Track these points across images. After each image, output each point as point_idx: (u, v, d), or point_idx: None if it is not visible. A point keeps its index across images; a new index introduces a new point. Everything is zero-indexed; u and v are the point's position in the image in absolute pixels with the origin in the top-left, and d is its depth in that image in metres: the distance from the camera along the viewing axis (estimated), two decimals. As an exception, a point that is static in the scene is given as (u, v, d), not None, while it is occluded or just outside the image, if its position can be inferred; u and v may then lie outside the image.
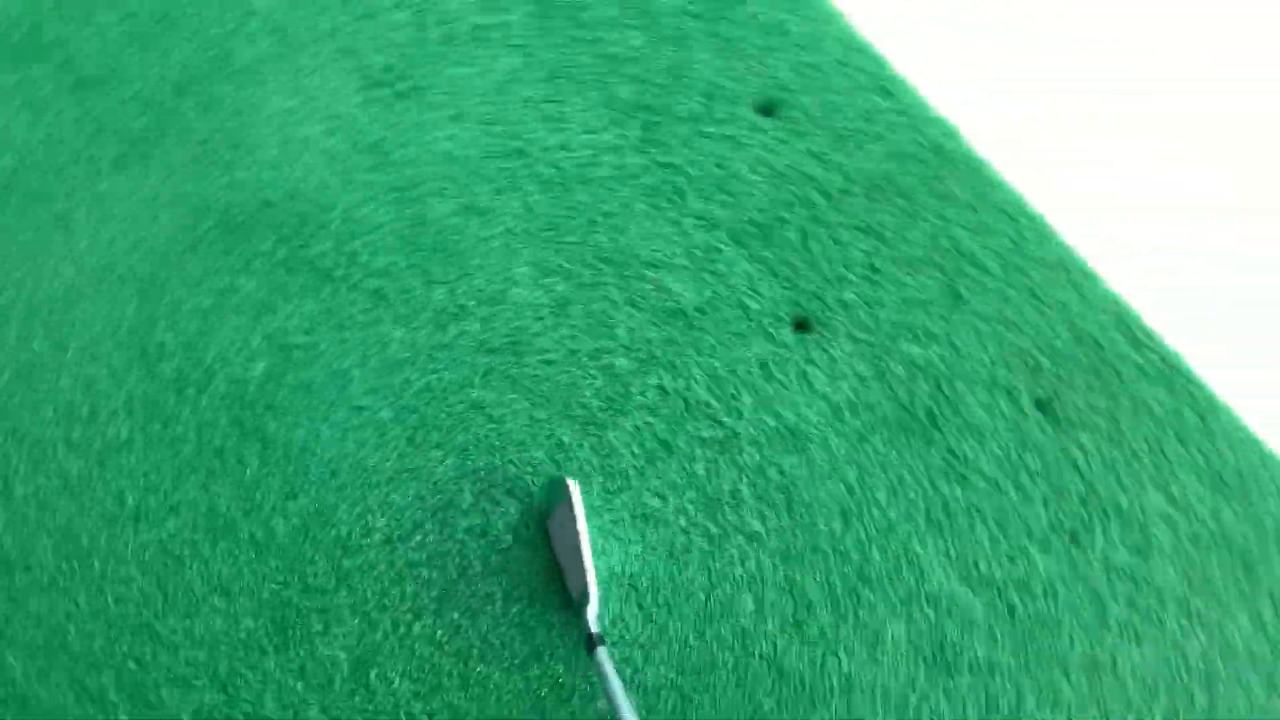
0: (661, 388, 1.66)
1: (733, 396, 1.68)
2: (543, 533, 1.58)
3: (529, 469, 1.61)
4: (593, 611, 1.43)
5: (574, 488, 1.50)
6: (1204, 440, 1.64)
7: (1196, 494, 1.60)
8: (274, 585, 1.46)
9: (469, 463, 1.62)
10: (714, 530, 1.59)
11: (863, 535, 1.57)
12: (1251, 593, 1.53)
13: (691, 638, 1.53)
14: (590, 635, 1.39)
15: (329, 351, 1.61)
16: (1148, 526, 1.57)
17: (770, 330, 1.72)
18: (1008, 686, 1.54)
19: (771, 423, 1.66)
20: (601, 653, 1.35)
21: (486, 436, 1.63)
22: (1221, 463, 1.62)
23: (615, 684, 1.29)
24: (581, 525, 1.47)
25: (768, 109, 1.87)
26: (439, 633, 1.48)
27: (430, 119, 1.80)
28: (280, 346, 1.61)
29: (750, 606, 1.57)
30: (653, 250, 1.72)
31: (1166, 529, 1.58)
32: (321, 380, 1.58)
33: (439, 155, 1.77)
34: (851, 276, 1.78)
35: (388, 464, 1.59)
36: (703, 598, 1.57)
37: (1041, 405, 1.71)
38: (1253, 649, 1.52)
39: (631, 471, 1.61)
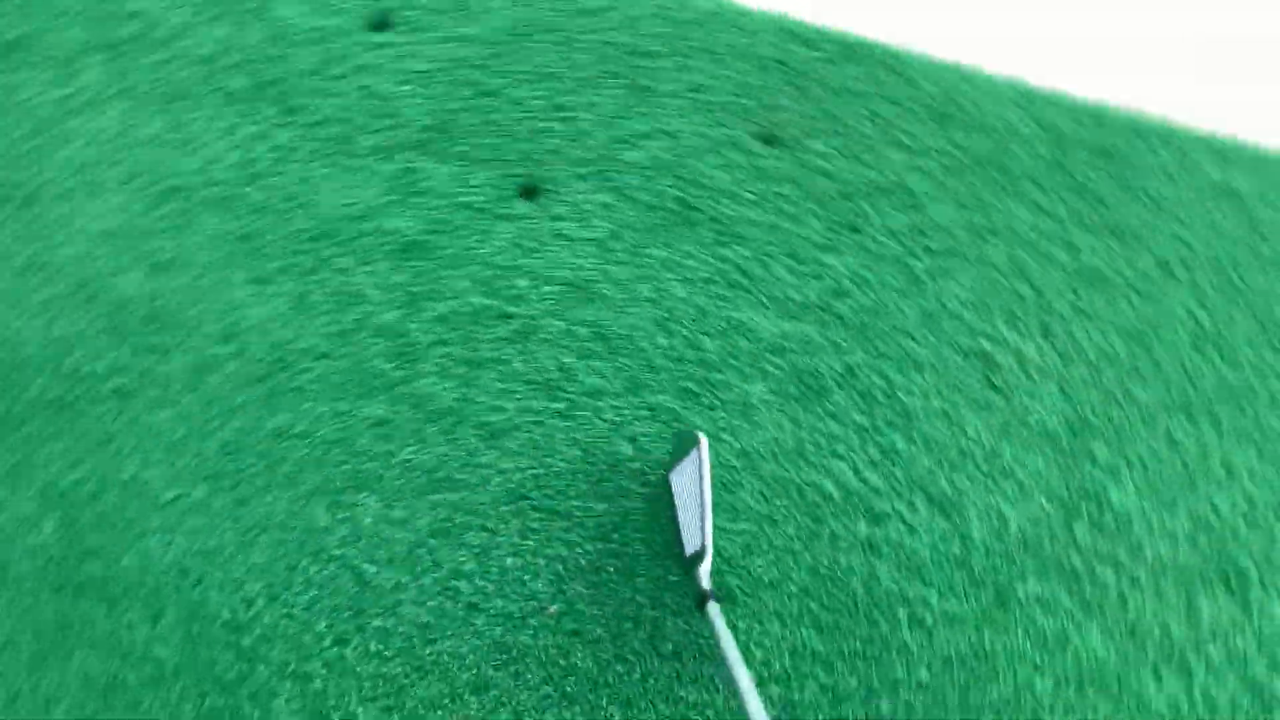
0: (439, 317, 1.64)
1: (508, 287, 1.67)
2: (666, 485, 1.53)
3: (358, 468, 1.54)
4: (706, 568, 1.38)
5: (703, 443, 1.44)
6: (907, 88, 1.74)
7: (927, 134, 1.70)
8: (193, 703, 1.36)
9: (300, 488, 1.55)
10: (561, 406, 1.60)
11: (684, 333, 1.63)
12: (1014, 185, 1.65)
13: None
14: (702, 592, 1.36)
15: (106, 472, 1.50)
16: (905, 183, 1.66)
17: (504, 211, 1.73)
18: (872, 378, 1.63)
19: (554, 289, 1.67)
20: (713, 609, 1.32)
21: (307, 454, 1.56)
22: (932, 98, 1.73)
23: (727, 640, 1.27)
24: (706, 482, 1.41)
25: (381, 24, 1.81)
26: (372, 644, 1.44)
27: (67, 209, 1.66)
28: (57, 495, 1.48)
29: (628, 450, 1.60)
30: (353, 205, 1.70)
31: (921, 176, 1.68)
32: (116, 501, 1.45)
33: (96, 236, 1.65)
34: (545, 124, 1.77)
35: (228, 534, 1.49)
36: (580, 453, 1.56)
37: (766, 139, 1.78)
38: (1039, 227, 1.64)
39: (455, 402, 1.59)
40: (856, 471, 1.55)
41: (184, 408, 1.56)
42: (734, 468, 1.54)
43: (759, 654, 1.43)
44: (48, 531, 1.46)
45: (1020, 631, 1.45)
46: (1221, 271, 1.61)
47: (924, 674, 1.42)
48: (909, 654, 1.43)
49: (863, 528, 1.50)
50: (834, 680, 1.40)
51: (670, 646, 1.45)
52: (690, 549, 1.40)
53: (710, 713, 1.39)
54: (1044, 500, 1.53)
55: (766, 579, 1.47)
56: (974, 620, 1.44)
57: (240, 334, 1.62)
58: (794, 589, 1.47)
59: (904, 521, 1.51)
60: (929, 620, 1.45)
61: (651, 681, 1.43)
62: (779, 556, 1.48)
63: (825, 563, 1.48)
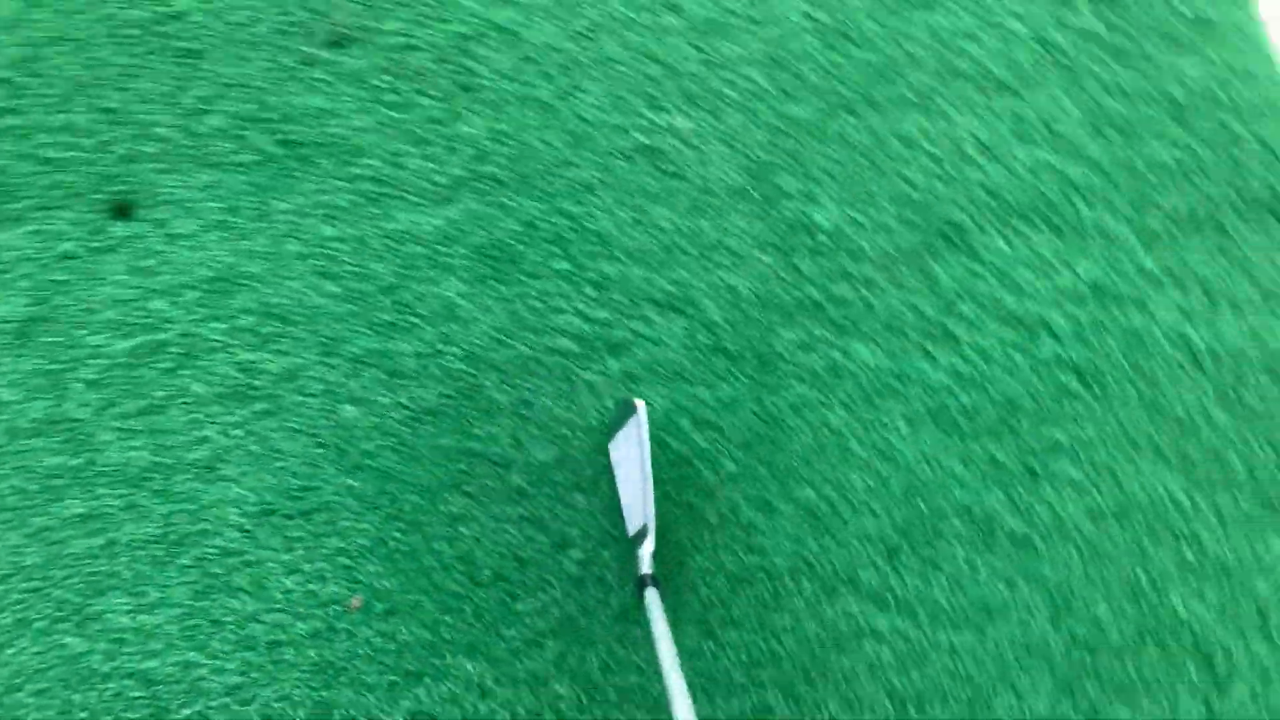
0: (90, 383, 1.51)
1: (144, 316, 1.55)
2: (606, 459, 1.43)
3: (87, 578, 1.42)
4: (648, 549, 1.27)
5: (640, 410, 1.32)
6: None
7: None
8: None
9: (35, 624, 1.42)
10: (263, 404, 1.50)
11: (351, 269, 1.60)
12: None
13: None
14: (642, 577, 1.25)
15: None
16: (493, 21, 1.70)
17: (103, 243, 1.56)
18: (554, 221, 1.62)
19: (196, 294, 1.55)
20: (651, 597, 1.20)
21: (24, 587, 1.42)
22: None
23: (662, 631, 1.14)
24: (645, 452, 1.30)
25: None
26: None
27: None
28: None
29: (354, 412, 1.52)
30: None
31: (504, 6, 1.72)
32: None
33: None
34: (103, 136, 1.62)
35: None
36: (306, 439, 1.51)
37: (337, 43, 1.67)
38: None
39: (152, 457, 1.47)
40: (581, 315, 1.51)
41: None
42: (469, 374, 1.47)
43: (575, 533, 1.41)
44: None
45: (794, 381, 1.47)
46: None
47: (730, 465, 1.43)
48: (705, 454, 1.43)
49: (612, 363, 1.48)
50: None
51: (486, 573, 1.41)
52: (633, 527, 1.33)
53: (554, 611, 1.37)
54: (759, 253, 1.54)
55: (551, 460, 1.43)
56: (749, 394, 1.46)
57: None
58: (579, 456, 1.44)
59: (645, 338, 1.49)
60: (711, 417, 1.46)
61: (485, 614, 1.38)
62: (551, 435, 1.45)
63: (594, 413, 1.44)
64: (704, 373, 1.48)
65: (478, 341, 1.49)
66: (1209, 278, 1.42)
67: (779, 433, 1.44)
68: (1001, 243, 1.52)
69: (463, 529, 1.41)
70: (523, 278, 1.53)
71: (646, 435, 1.31)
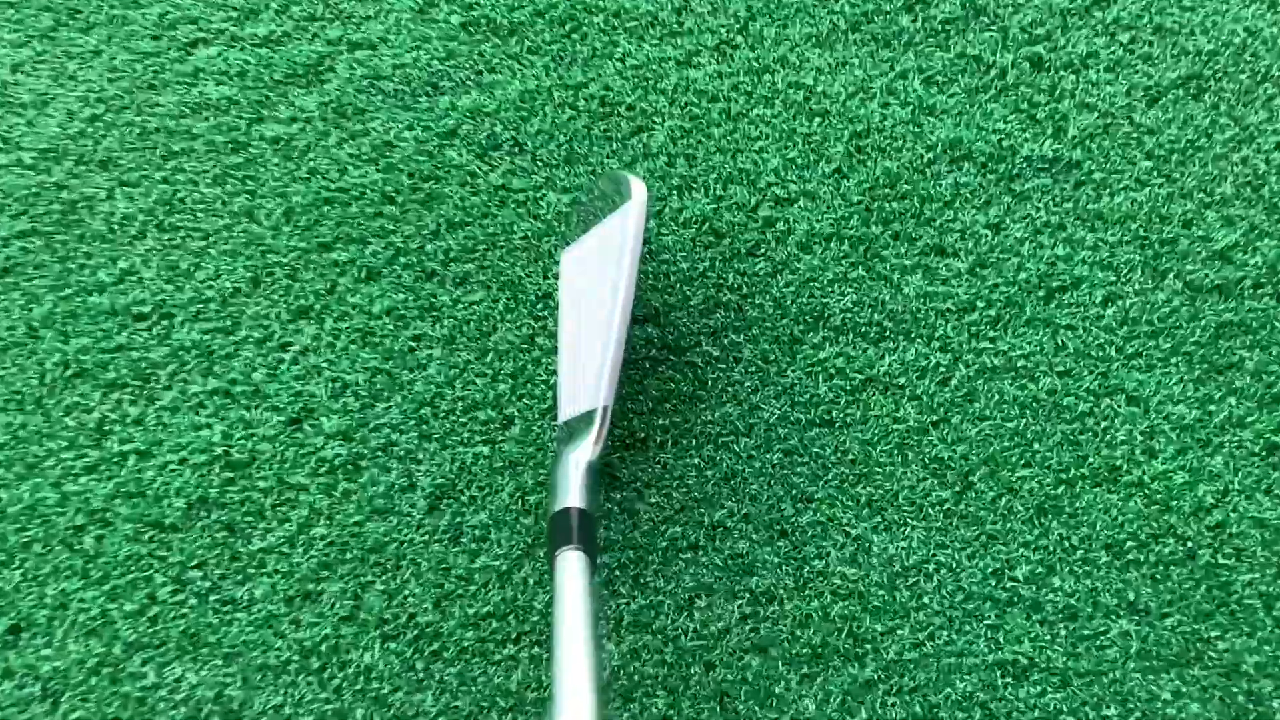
0: None
1: None
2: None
3: None
4: (585, 454, 0.78)
5: (638, 194, 0.81)
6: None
7: None
8: None
9: None
10: None
11: None
12: None
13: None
14: (563, 513, 0.74)
15: None
16: None
17: None
18: None
19: None
20: (569, 561, 0.69)
21: None
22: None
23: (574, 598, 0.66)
24: (627, 272, 0.78)
25: None
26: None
27: None
28: None
29: None
30: None
31: None
32: None
33: None
34: None
35: None
36: None
37: None
38: None
39: None
40: None
41: None
42: None
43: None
44: None
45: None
46: None
47: None
48: None
49: None
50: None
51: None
52: (571, 408, 0.84)
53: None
54: None
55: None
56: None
57: None
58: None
59: None
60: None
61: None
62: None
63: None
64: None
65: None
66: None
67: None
68: None
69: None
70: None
71: (637, 243, 0.79)
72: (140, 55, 1.07)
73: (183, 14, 1.08)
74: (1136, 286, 0.97)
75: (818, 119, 1.03)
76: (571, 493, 0.76)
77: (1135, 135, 1.02)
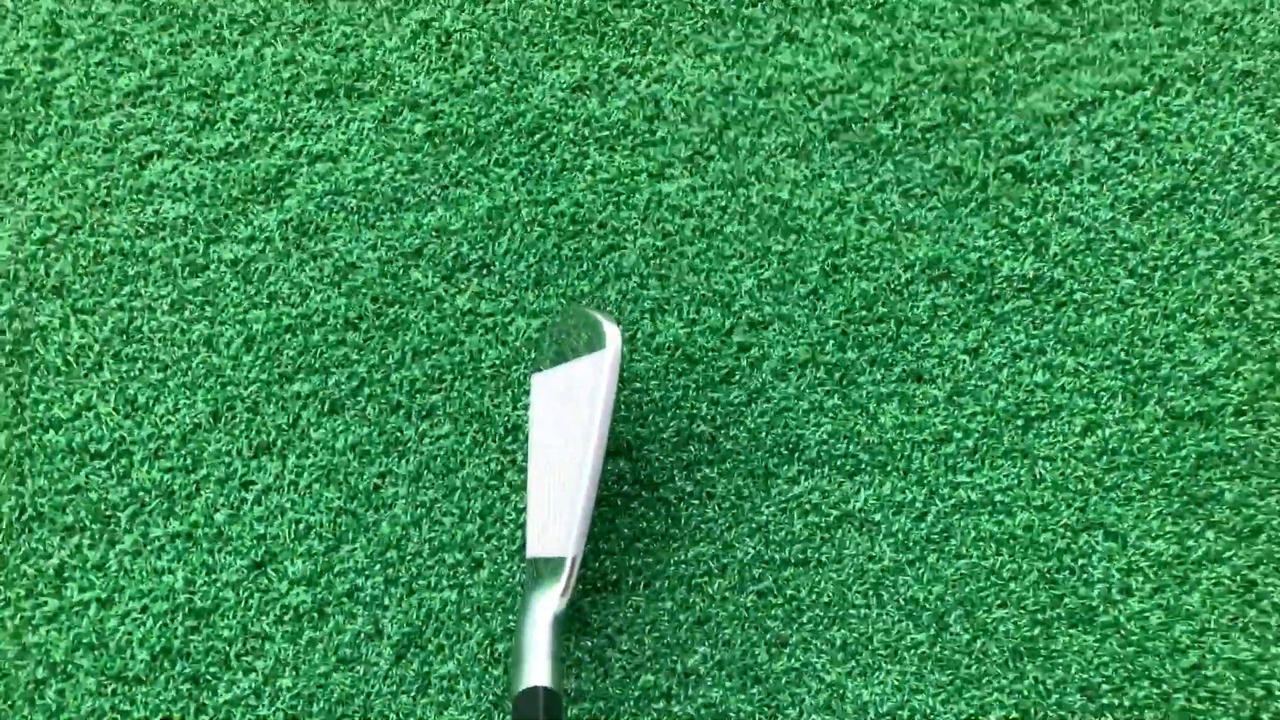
0: None
1: None
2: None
3: None
4: (551, 603, 0.78)
5: (613, 341, 0.78)
6: None
7: None
8: None
9: None
10: None
11: None
12: None
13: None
14: (527, 695, 0.71)
15: None
16: None
17: None
18: None
19: None
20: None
21: None
22: None
23: None
24: (600, 416, 0.77)
25: None
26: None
27: None
28: None
29: None
30: None
31: None
32: None
33: None
34: None
35: None
36: None
37: None
38: None
39: None
40: None
41: None
42: None
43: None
44: None
45: None
46: None
47: None
48: None
49: None
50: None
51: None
52: (538, 546, 0.82)
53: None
54: None
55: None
56: None
57: None
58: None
59: None
60: None
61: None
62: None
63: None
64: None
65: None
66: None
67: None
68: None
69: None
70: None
71: (609, 393, 0.77)
72: (92, 170, 1.03)
73: (135, 124, 1.04)
74: (1117, 414, 0.96)
75: (793, 236, 1.01)
76: (537, 665, 0.74)
77: (1119, 251, 1.00)
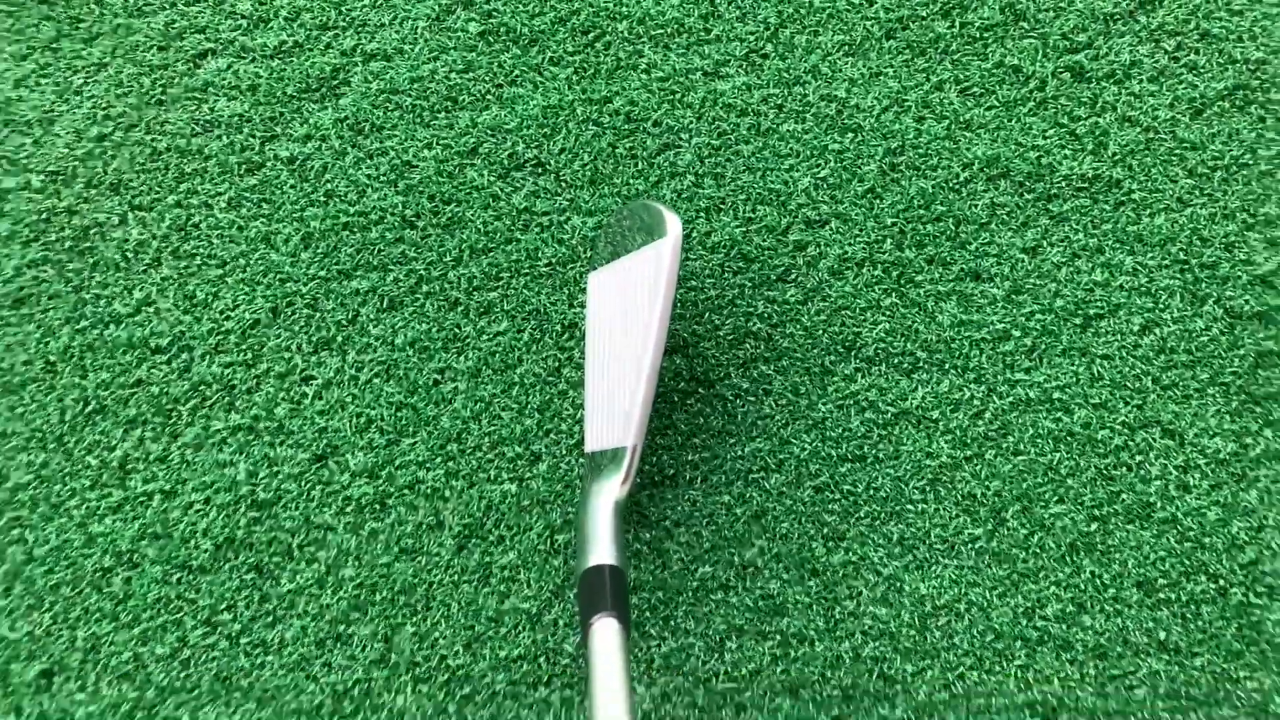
0: None
1: None
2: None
3: None
4: (613, 491, 0.75)
5: (674, 231, 0.77)
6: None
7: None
8: None
9: None
10: None
11: None
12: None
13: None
14: (592, 570, 0.70)
15: None
16: None
17: None
18: None
19: None
20: (605, 632, 0.65)
21: None
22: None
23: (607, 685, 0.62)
24: (661, 307, 0.75)
25: None
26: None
27: None
28: None
29: None
30: None
31: None
32: None
33: None
34: None
35: None
36: None
37: None
38: None
39: None
40: None
41: None
42: None
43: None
44: None
45: None
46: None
47: None
48: None
49: None
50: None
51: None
52: (597, 441, 0.80)
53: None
54: None
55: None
56: None
57: None
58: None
59: None
60: None
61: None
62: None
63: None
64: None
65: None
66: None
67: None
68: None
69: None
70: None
71: (671, 280, 0.75)
72: (147, 68, 1.00)
73: (189, 23, 1.01)
74: (1175, 313, 0.92)
75: (850, 134, 0.97)
76: (601, 545, 0.72)
77: (1178, 151, 0.96)
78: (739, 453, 0.91)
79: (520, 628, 0.87)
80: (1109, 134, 0.96)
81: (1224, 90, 0.96)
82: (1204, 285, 0.93)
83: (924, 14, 0.99)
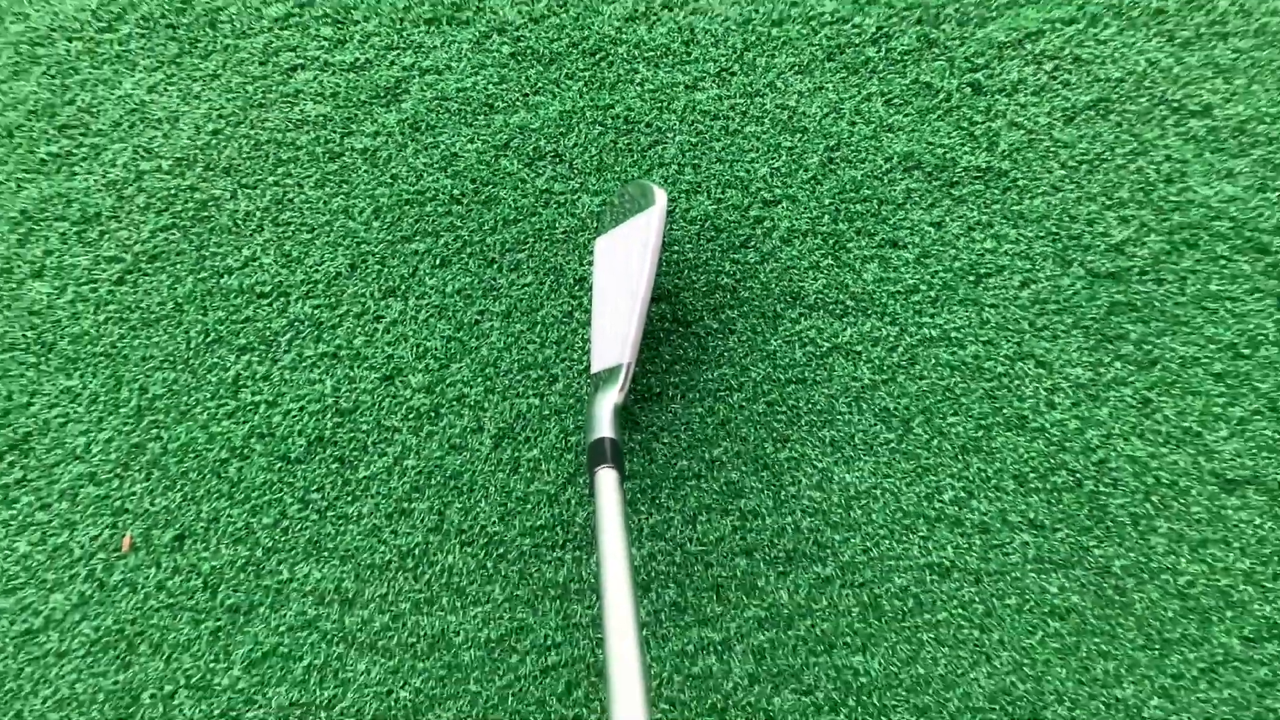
0: None
1: None
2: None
3: None
4: (614, 400, 0.96)
5: (660, 202, 0.98)
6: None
7: None
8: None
9: None
10: None
11: None
12: None
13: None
14: (599, 442, 0.90)
15: None
16: None
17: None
18: None
19: None
20: (606, 480, 0.86)
21: None
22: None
23: (610, 521, 0.81)
24: (648, 264, 0.94)
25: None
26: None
27: None
28: None
29: None
30: None
31: None
32: None
33: None
34: None
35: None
36: None
37: None
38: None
39: None
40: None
41: None
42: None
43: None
44: None
45: None
46: None
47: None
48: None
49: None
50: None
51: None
52: (600, 362, 1.00)
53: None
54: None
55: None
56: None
57: None
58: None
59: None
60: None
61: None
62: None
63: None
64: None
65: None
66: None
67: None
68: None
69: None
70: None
71: (658, 239, 0.95)
72: (250, 78, 1.26)
73: (283, 43, 1.27)
74: (1047, 273, 1.16)
75: (798, 135, 1.23)
76: (604, 426, 0.94)
77: (1053, 149, 1.20)
78: (709, 376, 1.17)
79: (542, 505, 1.13)
80: (999, 135, 1.21)
81: (1090, 102, 1.21)
82: (1070, 251, 1.17)
83: (857, 41, 1.25)
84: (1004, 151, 1.21)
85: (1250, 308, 1.14)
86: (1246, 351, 1.13)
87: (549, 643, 1.11)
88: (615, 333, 1.00)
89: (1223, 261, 1.15)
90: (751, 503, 1.13)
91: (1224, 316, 1.14)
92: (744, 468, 1.14)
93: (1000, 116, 1.21)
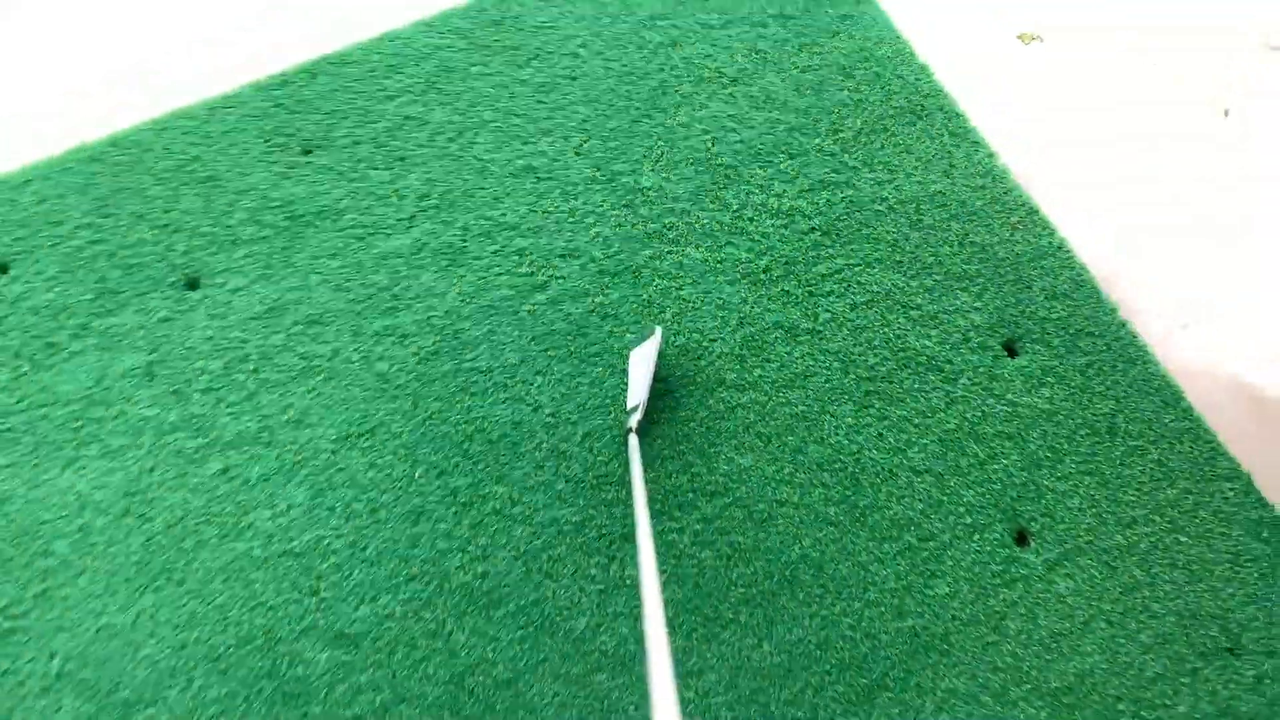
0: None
1: None
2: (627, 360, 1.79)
3: None
4: (637, 416, 1.63)
5: (657, 333, 1.70)
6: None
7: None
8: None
9: None
10: None
11: None
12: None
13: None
14: (628, 428, 1.62)
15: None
16: None
17: (176, 301, 1.88)
18: None
19: None
20: (633, 441, 1.55)
21: None
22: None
23: (636, 468, 1.43)
24: (653, 362, 1.66)
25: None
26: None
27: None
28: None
29: None
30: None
31: None
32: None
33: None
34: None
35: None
36: None
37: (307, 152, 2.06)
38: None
39: None
40: (511, 273, 1.99)
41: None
42: (451, 325, 1.93)
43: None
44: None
45: (655, 278, 1.96)
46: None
47: (628, 334, 1.89)
48: (610, 335, 1.94)
49: (540, 296, 2.01)
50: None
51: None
52: (631, 402, 1.66)
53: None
54: (613, 211, 2.02)
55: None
56: (630, 292, 1.94)
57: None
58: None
59: (558, 277, 2.00)
60: (610, 311, 1.97)
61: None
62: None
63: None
64: (598, 288, 1.84)
65: (451, 305, 1.81)
66: (887, 159, 1.95)
67: (652, 309, 1.85)
68: (759, 170, 1.95)
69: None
70: (469, 260, 1.87)
71: (656, 349, 1.65)
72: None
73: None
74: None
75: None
76: (632, 418, 1.63)
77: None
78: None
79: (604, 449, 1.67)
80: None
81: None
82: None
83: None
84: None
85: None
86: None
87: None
88: (639, 387, 1.63)
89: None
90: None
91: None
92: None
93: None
